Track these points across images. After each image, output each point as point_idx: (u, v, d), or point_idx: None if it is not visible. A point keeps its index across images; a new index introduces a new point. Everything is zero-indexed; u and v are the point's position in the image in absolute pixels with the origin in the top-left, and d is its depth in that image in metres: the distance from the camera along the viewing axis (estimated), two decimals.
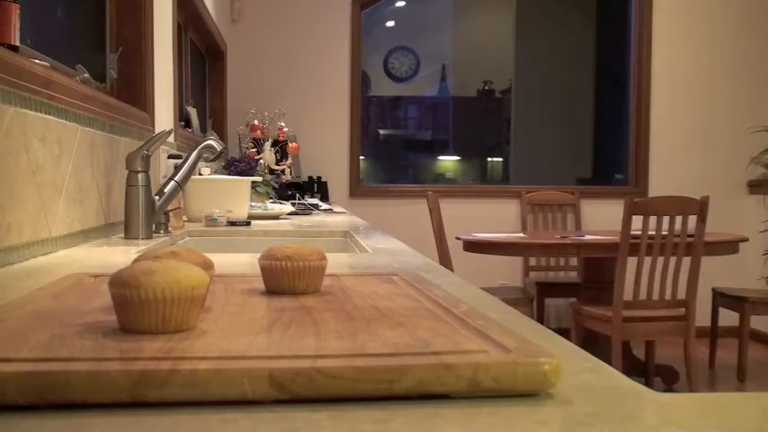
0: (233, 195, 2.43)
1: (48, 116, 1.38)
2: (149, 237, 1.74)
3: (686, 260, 3.42)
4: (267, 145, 3.43)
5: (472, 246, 3.87)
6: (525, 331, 0.71)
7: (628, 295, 3.37)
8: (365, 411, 0.47)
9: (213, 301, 0.74)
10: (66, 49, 1.93)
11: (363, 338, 0.58)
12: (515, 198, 5.14)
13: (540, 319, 4.62)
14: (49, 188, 1.38)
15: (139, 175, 1.73)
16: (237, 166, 2.96)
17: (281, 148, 3.56)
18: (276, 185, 3.22)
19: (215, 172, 2.90)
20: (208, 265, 0.80)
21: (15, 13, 1.31)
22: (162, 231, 1.89)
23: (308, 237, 2.16)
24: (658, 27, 5.17)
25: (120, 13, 2.27)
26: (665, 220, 3.34)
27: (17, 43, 1.31)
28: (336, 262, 1.25)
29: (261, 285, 0.84)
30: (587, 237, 3.79)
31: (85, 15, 2.17)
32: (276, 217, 2.67)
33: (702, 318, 4.06)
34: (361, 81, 5.15)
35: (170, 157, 2.40)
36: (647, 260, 3.36)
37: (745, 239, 3.84)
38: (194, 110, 3.73)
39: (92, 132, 1.66)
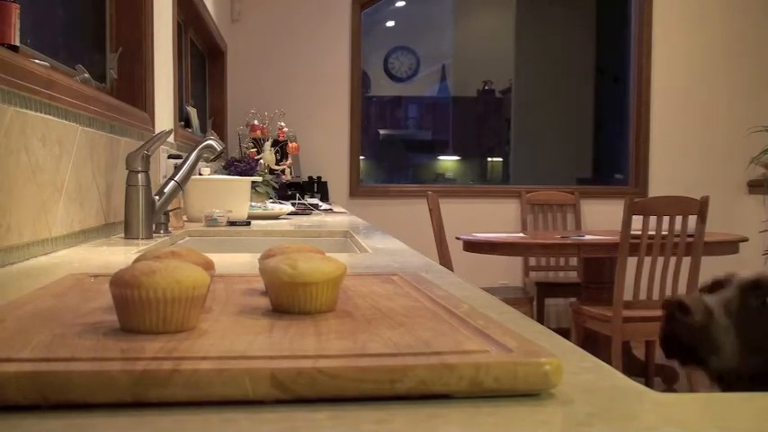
0: (233, 195, 2.43)
1: (48, 116, 1.38)
2: (149, 237, 1.75)
3: (686, 260, 3.42)
4: (267, 145, 3.43)
5: (472, 246, 3.87)
6: (525, 331, 0.71)
7: (628, 295, 3.36)
8: (365, 411, 0.47)
9: (214, 301, 0.74)
10: (66, 49, 1.93)
11: (364, 338, 0.58)
12: (515, 198, 5.14)
13: (540, 319, 4.62)
14: (49, 188, 1.38)
15: (139, 175, 1.73)
16: (237, 166, 2.96)
17: (281, 148, 3.56)
18: (276, 185, 3.22)
19: (215, 172, 2.90)
20: (208, 265, 0.80)
21: (15, 13, 1.31)
22: (162, 231, 1.89)
23: (308, 237, 2.16)
24: (658, 27, 5.17)
25: (120, 13, 2.27)
26: (665, 220, 3.34)
27: (17, 43, 1.31)
28: None
29: (261, 285, 0.84)
30: (587, 237, 3.79)
31: (85, 15, 2.18)
32: (276, 217, 2.67)
33: None
34: (360, 81, 5.15)
35: (170, 157, 2.40)
36: (647, 260, 3.36)
37: (745, 239, 3.84)
38: (194, 110, 3.73)
39: (92, 132, 1.66)
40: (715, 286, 0.98)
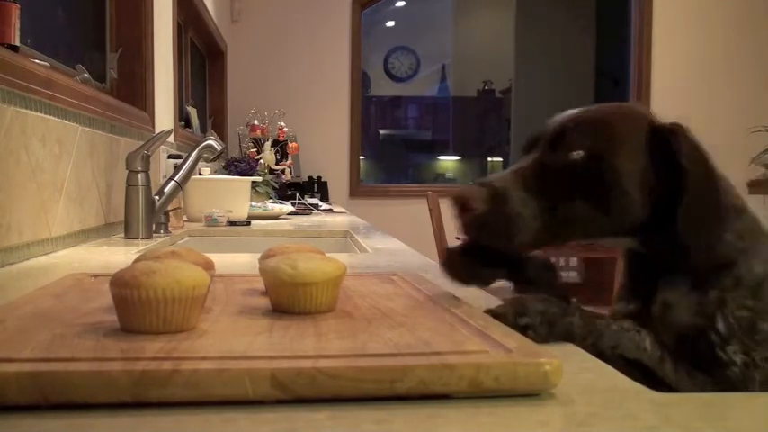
0: (233, 195, 2.43)
1: (48, 116, 1.38)
2: (149, 237, 1.75)
3: None
4: (267, 145, 3.43)
5: None
6: None
7: None
8: (365, 411, 0.47)
9: (213, 301, 0.74)
10: (66, 49, 1.93)
11: (364, 338, 0.58)
12: None
13: None
14: (49, 188, 1.38)
15: (139, 175, 1.73)
16: (237, 166, 2.96)
17: (281, 148, 3.56)
18: (276, 185, 3.22)
19: (215, 172, 2.90)
20: (208, 265, 0.80)
21: (15, 13, 1.31)
22: (162, 231, 1.89)
23: (308, 237, 2.16)
24: (658, 27, 5.17)
25: (120, 13, 2.27)
26: None
27: (17, 43, 1.32)
28: None
29: (261, 285, 0.84)
30: None
31: (85, 15, 2.18)
32: (276, 217, 2.67)
33: None
34: (360, 81, 5.15)
35: (170, 157, 2.40)
36: None
37: None
38: (194, 110, 3.73)
39: (92, 132, 1.66)
40: (531, 145, 0.83)
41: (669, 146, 0.77)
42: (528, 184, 0.77)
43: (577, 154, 0.77)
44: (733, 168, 4.18)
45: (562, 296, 0.78)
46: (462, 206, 0.76)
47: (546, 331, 0.69)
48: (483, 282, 0.82)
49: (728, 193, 0.80)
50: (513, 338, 0.57)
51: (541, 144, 0.81)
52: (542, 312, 0.71)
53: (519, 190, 0.76)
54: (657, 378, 0.72)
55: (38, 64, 1.41)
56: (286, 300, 0.69)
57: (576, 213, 0.77)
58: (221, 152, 1.95)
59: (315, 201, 3.71)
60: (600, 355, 0.68)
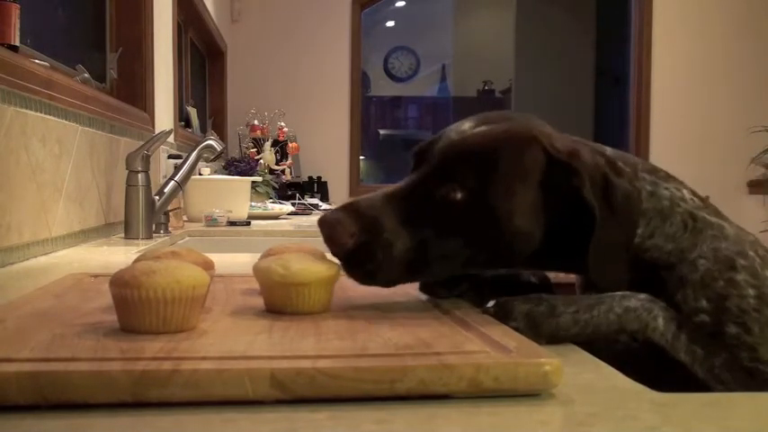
0: (233, 195, 2.43)
1: (48, 116, 1.38)
2: (149, 237, 1.75)
3: None
4: (267, 145, 3.43)
5: None
6: None
7: None
8: (365, 411, 0.47)
9: (213, 302, 0.74)
10: (66, 49, 1.93)
11: (364, 339, 0.58)
12: None
13: None
14: (49, 188, 1.38)
15: (139, 175, 1.73)
16: (237, 166, 2.97)
17: (281, 148, 3.56)
18: (276, 185, 3.22)
19: (215, 172, 2.90)
20: (208, 265, 0.80)
21: (15, 13, 1.31)
22: (162, 231, 1.89)
23: (308, 237, 2.16)
24: (658, 27, 5.17)
25: (120, 13, 2.27)
26: None
27: (17, 43, 1.32)
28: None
29: None
30: None
31: (85, 15, 2.17)
32: (276, 217, 2.67)
33: None
34: (360, 81, 5.15)
35: (170, 157, 2.40)
36: None
37: None
38: (194, 110, 3.73)
39: (92, 132, 1.66)
40: (419, 159, 0.76)
41: (567, 176, 0.71)
42: (401, 212, 0.70)
43: (458, 193, 0.70)
44: (733, 168, 4.23)
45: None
46: (329, 237, 0.70)
47: (532, 334, 0.66)
48: (440, 296, 0.78)
49: (656, 197, 0.77)
50: (513, 338, 0.57)
51: (424, 167, 0.74)
52: (527, 314, 0.68)
53: (391, 219, 0.70)
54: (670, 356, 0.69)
55: (38, 64, 1.41)
56: (279, 300, 0.69)
57: (454, 250, 0.70)
58: (221, 152, 1.95)
59: (315, 201, 3.71)
60: (606, 340, 0.67)
